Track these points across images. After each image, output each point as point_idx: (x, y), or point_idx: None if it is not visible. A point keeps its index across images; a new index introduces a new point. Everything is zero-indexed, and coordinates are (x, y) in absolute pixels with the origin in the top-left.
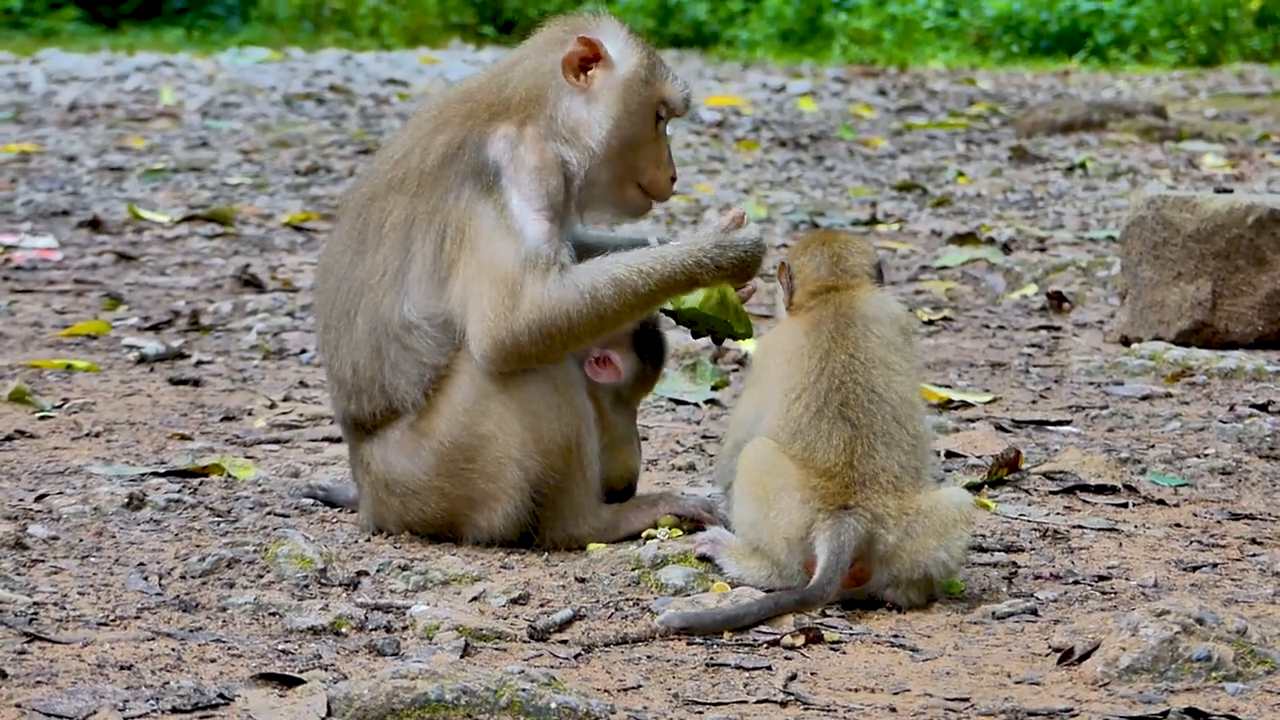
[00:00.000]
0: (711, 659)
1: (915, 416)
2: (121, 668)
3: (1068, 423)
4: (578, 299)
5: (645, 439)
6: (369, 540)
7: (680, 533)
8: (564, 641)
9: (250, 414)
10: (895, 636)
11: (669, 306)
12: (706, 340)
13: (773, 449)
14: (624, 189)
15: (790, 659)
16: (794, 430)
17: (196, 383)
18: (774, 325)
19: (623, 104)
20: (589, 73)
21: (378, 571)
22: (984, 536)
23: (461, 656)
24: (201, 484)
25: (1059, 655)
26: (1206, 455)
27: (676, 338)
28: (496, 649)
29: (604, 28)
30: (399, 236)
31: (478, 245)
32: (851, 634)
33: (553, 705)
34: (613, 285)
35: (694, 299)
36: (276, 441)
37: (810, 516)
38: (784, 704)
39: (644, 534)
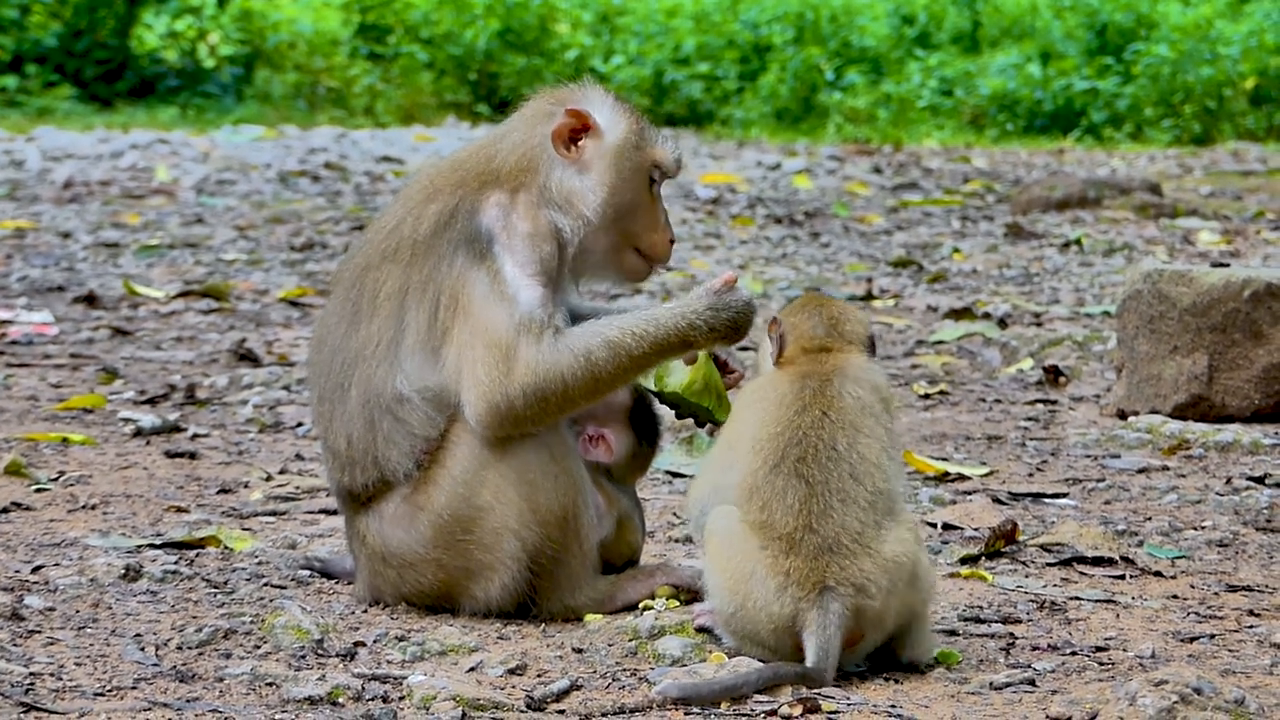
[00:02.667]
0: None
1: (876, 475)
2: None
3: (1064, 495)
4: (572, 362)
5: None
6: (366, 611)
7: (678, 603)
8: (561, 712)
9: (247, 486)
10: (893, 707)
11: (653, 387)
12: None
13: (736, 525)
14: (622, 255)
15: None
16: (751, 486)
17: (193, 455)
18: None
19: (615, 171)
20: (579, 143)
21: (375, 642)
22: (981, 608)
23: None
24: (198, 556)
25: None
26: (1204, 527)
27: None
28: (494, 719)
29: (591, 98)
30: (393, 306)
31: (471, 311)
32: (849, 704)
33: None
34: (607, 348)
35: (678, 382)
36: (273, 514)
37: (793, 607)
38: None
39: (641, 605)
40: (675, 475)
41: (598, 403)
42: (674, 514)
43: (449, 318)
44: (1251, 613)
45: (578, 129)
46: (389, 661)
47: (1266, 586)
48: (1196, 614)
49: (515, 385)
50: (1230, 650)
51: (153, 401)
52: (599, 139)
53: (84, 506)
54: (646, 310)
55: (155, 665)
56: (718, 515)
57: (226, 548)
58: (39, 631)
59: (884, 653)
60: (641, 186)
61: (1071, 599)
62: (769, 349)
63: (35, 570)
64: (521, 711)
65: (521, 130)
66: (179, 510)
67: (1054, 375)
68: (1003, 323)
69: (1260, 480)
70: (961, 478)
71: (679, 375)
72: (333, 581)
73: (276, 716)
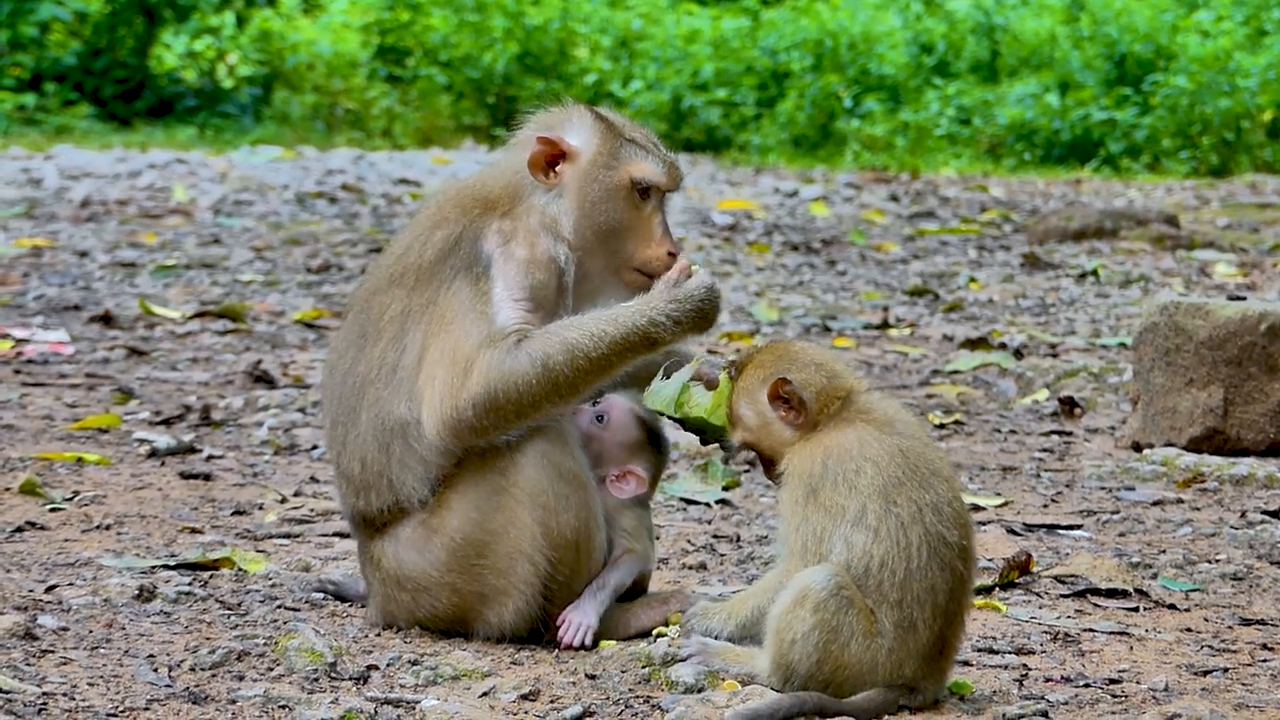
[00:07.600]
0: None
1: None
2: None
3: (1079, 527)
4: (527, 368)
5: (657, 538)
6: (379, 634)
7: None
8: None
9: (261, 508)
10: None
11: (675, 414)
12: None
13: (857, 625)
14: (622, 274)
15: None
16: (905, 571)
17: (207, 477)
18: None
19: (588, 192)
20: (557, 169)
21: (388, 666)
22: (995, 639)
23: None
24: (212, 577)
25: None
26: (1218, 561)
27: (690, 438)
28: None
29: (571, 120)
30: (395, 330)
31: (449, 329)
32: None
33: None
34: (564, 351)
35: (700, 407)
36: (287, 536)
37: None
38: None
39: (655, 632)
40: (690, 502)
41: (566, 409)
42: (688, 541)
43: (432, 338)
44: (1265, 646)
45: (553, 155)
46: (402, 685)
47: None
48: (1210, 647)
49: (466, 395)
50: (1244, 684)
51: (168, 422)
52: (574, 162)
53: (98, 526)
54: (607, 310)
55: (168, 686)
56: (828, 603)
57: (240, 569)
58: (52, 651)
59: None
60: (623, 204)
61: (1085, 631)
62: (775, 415)
63: (49, 590)
64: None
65: (509, 158)
66: (193, 531)
67: (1069, 407)
68: (1018, 353)
69: (1275, 514)
70: (976, 508)
71: (701, 400)
72: (346, 604)
73: None
